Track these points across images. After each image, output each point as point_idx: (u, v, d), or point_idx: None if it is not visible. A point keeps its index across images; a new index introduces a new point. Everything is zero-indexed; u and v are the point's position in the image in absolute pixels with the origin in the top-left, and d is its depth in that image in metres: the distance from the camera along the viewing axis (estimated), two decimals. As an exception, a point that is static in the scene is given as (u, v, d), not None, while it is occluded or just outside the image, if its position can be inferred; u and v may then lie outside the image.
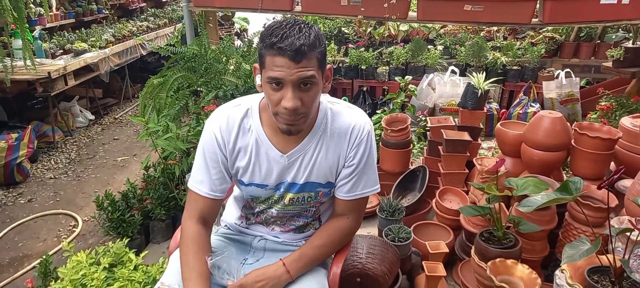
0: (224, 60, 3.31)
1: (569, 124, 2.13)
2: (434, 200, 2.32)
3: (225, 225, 1.53)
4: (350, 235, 1.43)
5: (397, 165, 2.66)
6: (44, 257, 2.02)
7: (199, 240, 1.29)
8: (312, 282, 1.32)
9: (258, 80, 1.23)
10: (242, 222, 1.47)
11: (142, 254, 2.02)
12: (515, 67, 4.40)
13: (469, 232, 2.03)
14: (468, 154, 2.36)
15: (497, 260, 1.70)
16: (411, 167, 2.66)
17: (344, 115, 1.32)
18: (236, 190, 1.47)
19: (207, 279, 1.26)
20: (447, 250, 1.91)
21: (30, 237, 2.86)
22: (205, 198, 1.31)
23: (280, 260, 1.29)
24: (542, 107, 3.88)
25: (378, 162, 2.89)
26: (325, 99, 1.33)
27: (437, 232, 2.20)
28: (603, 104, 3.25)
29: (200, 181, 1.31)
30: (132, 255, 1.98)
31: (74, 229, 2.92)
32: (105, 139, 4.52)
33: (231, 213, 1.52)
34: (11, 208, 3.23)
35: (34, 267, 2.51)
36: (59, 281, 1.89)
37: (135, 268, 1.92)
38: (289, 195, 1.33)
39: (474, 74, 2.88)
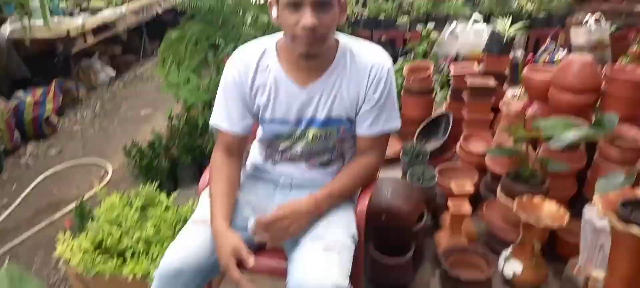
0: (240, 12, 3.28)
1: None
2: (458, 144, 2.32)
3: (251, 166, 1.56)
4: (375, 172, 1.46)
5: (420, 112, 2.65)
6: (80, 200, 2.09)
7: (223, 168, 1.37)
8: (340, 216, 1.35)
9: (274, 13, 1.25)
10: (267, 162, 1.50)
11: (172, 197, 2.09)
12: (541, 15, 4.26)
13: (495, 173, 2.03)
14: (493, 100, 2.33)
15: (524, 196, 1.71)
16: (434, 114, 2.65)
17: (364, 52, 1.33)
18: (260, 132, 1.50)
19: (232, 203, 1.32)
20: (472, 189, 1.92)
21: (64, 185, 2.97)
22: (227, 134, 1.38)
23: (311, 196, 1.31)
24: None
25: (400, 109, 2.89)
26: (344, 37, 1.34)
27: (462, 174, 2.21)
28: (634, 49, 3.15)
29: (221, 118, 1.38)
30: (163, 197, 2.05)
31: (104, 177, 3.01)
32: (128, 93, 4.58)
33: (256, 155, 1.55)
34: (43, 159, 3.33)
35: (70, 210, 2.61)
36: (95, 221, 1.97)
37: (166, 209, 1.99)
38: (312, 131, 1.35)
39: (500, 19, 2.80)
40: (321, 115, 1.33)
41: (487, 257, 1.83)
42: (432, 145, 2.53)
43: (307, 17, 1.15)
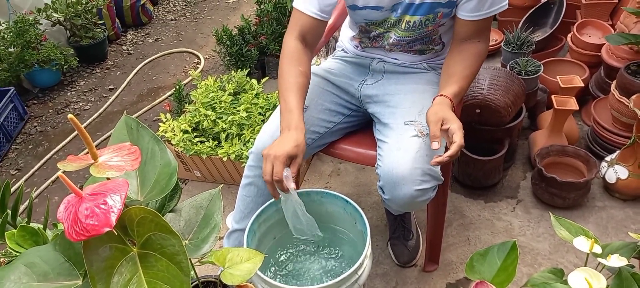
0: None
1: None
2: (569, 35, 2.07)
3: (342, 49, 1.51)
4: (484, 58, 1.29)
5: (527, -3, 2.37)
6: (177, 84, 2.21)
7: (294, 54, 1.25)
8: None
9: None
10: (358, 46, 1.43)
11: (262, 82, 2.13)
12: None
13: (611, 66, 1.81)
14: (620, -21, 2.01)
15: (645, 94, 1.52)
16: (544, 0, 2.36)
17: None
18: (348, 18, 1.41)
19: (302, 89, 1.21)
20: (581, 84, 1.73)
21: (161, 72, 3.15)
22: (307, 17, 1.25)
23: (442, 96, 1.18)
24: None
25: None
26: None
27: (570, 69, 2.00)
28: None
29: None
30: (254, 82, 2.10)
31: (197, 65, 3.15)
32: (216, -18, 4.60)
33: (347, 37, 1.48)
34: (142, 46, 3.53)
35: (169, 95, 2.79)
36: (191, 104, 2.08)
37: (257, 95, 2.04)
38: (407, 18, 1.23)
39: None
40: (420, 0, 1.21)
41: (589, 159, 1.69)
42: (538, 36, 2.29)
43: None
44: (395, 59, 1.38)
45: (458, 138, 1.07)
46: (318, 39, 1.32)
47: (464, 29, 1.24)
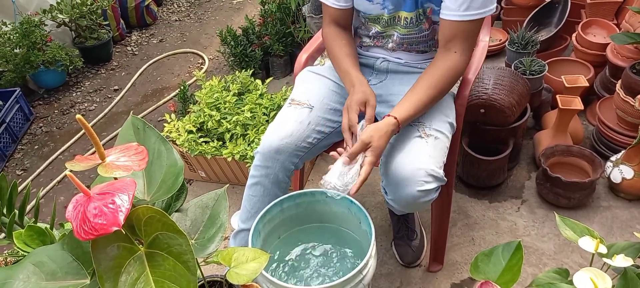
0: None
1: None
2: (574, 35, 2.07)
3: None
4: (460, 73, 1.24)
5: (531, -3, 2.37)
6: (182, 84, 2.22)
7: (332, 34, 1.37)
8: (439, 103, 1.28)
9: None
10: (361, 45, 1.44)
11: (266, 82, 2.13)
12: None
13: (616, 65, 1.80)
14: (625, -22, 2.00)
15: (651, 93, 1.51)
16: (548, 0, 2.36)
17: None
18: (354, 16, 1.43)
19: (350, 56, 1.32)
20: (586, 84, 1.73)
21: (166, 72, 3.16)
22: (332, 8, 1.35)
23: (392, 118, 1.16)
24: None
25: (507, -5, 2.60)
26: None
27: (575, 69, 2.00)
28: None
29: None
30: (258, 82, 2.10)
31: (201, 66, 3.16)
32: (220, -17, 4.61)
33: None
34: (146, 47, 3.55)
35: (174, 95, 2.81)
36: (196, 104, 2.09)
37: (261, 96, 2.05)
38: (403, 14, 1.25)
39: None
40: None
41: (594, 159, 1.69)
42: (542, 35, 2.28)
43: None
44: (399, 58, 1.39)
45: (363, 172, 1.10)
46: (350, 22, 1.40)
47: (445, 32, 1.20)
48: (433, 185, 1.13)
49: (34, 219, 0.98)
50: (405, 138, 1.19)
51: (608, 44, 1.92)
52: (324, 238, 1.30)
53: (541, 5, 2.32)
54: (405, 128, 1.21)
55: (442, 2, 1.18)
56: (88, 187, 0.64)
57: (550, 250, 1.57)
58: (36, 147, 2.59)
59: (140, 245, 0.66)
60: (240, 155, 1.83)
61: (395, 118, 1.15)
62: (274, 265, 1.25)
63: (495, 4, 1.19)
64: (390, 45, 1.36)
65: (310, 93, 1.39)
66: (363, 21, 1.36)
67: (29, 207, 2.02)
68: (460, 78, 1.36)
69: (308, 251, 1.28)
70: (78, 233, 0.58)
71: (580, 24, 2.05)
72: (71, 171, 0.64)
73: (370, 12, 1.30)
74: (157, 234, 0.64)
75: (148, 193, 0.77)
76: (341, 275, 1.13)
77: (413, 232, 1.60)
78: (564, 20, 2.17)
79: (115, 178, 0.66)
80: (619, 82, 1.71)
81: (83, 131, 2.51)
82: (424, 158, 1.13)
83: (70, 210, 0.60)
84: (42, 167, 2.39)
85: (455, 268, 1.56)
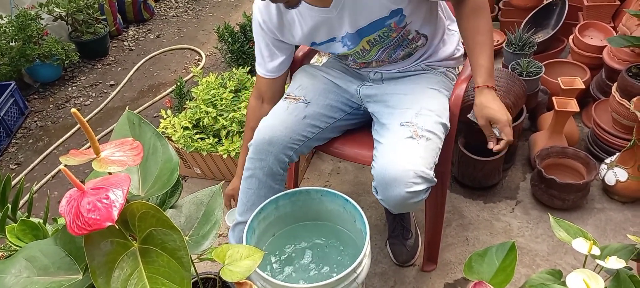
0: None
1: None
2: (571, 37, 2.07)
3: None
4: (487, 9, 1.25)
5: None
6: (178, 80, 2.21)
7: (250, 112, 1.47)
8: (433, 103, 1.28)
9: None
10: (350, 68, 1.46)
11: (263, 81, 2.13)
12: None
13: (612, 68, 1.81)
14: (622, -19, 2.01)
15: (646, 96, 1.52)
16: (546, 1, 2.36)
17: None
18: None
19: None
20: (582, 86, 1.73)
21: (163, 68, 3.15)
22: (261, 78, 1.43)
23: (484, 85, 1.21)
24: None
25: (505, -4, 2.61)
26: None
27: (571, 71, 2.00)
28: None
29: (257, 63, 1.43)
30: (255, 79, 2.09)
31: (198, 62, 3.15)
32: (218, -20, 4.60)
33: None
34: (143, 42, 3.54)
35: (170, 91, 2.80)
36: (192, 101, 2.08)
37: (258, 93, 2.04)
38: (365, 40, 1.26)
39: None
40: (362, 24, 1.21)
41: (588, 161, 1.69)
42: (539, 37, 2.29)
43: None
44: (390, 69, 1.39)
45: (505, 135, 1.18)
46: (276, 93, 1.46)
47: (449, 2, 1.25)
48: (422, 187, 1.13)
49: (27, 214, 0.98)
50: (396, 138, 1.19)
51: (605, 46, 1.92)
52: (318, 236, 1.30)
53: (539, 7, 2.33)
54: (397, 128, 1.21)
55: (400, 11, 1.19)
56: (82, 182, 0.64)
57: (543, 251, 1.58)
58: (31, 141, 2.57)
59: (134, 241, 0.66)
60: (236, 153, 1.82)
61: (482, 86, 1.21)
62: (268, 262, 1.25)
63: None
64: (374, 64, 1.38)
65: (306, 89, 1.40)
66: (339, 56, 1.39)
67: (22, 202, 2.01)
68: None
69: (302, 249, 1.28)
70: (71, 229, 0.57)
71: (578, 26, 2.06)
72: (66, 166, 0.64)
73: (337, 51, 1.33)
74: (151, 230, 0.64)
75: (143, 189, 0.77)
76: (335, 274, 1.14)
77: (408, 231, 1.60)
78: (561, 23, 2.17)
79: (110, 174, 0.65)
80: (615, 84, 1.72)
81: (78, 126, 2.50)
82: (414, 160, 1.13)
83: (64, 205, 0.59)
84: (36, 162, 2.38)
85: (449, 268, 1.56)
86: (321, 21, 1.23)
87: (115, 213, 0.58)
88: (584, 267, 0.82)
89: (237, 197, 1.38)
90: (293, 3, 1.13)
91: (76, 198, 0.59)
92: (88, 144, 0.68)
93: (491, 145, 1.21)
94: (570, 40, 2.08)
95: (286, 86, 1.51)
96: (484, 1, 1.23)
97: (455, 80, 1.41)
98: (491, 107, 1.19)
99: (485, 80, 1.21)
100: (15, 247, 0.82)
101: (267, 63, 1.40)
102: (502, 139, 1.20)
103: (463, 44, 1.37)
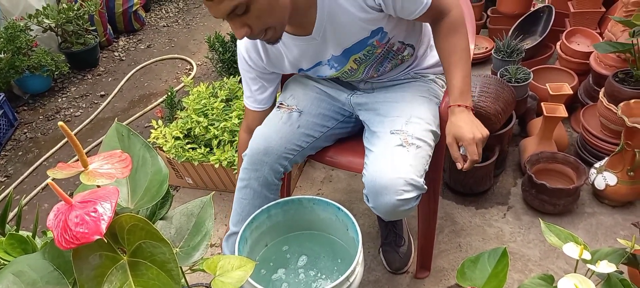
0: None
1: None
2: (558, 43, 2.10)
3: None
4: (463, 19, 1.24)
5: (517, 5, 2.41)
6: (169, 90, 2.20)
7: (243, 148, 1.39)
8: (423, 111, 1.29)
9: None
10: (340, 83, 1.46)
11: (254, 90, 2.13)
12: None
13: (599, 74, 1.83)
14: (607, -12, 2.04)
15: (632, 101, 1.54)
16: (533, 8, 2.39)
17: None
18: None
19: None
20: (570, 92, 1.75)
21: (153, 78, 3.14)
22: (250, 111, 1.42)
23: (461, 105, 1.20)
24: None
25: (495, 4, 2.64)
26: None
27: (559, 77, 2.03)
28: None
29: (246, 96, 1.41)
30: (245, 90, 2.09)
31: (189, 72, 3.14)
32: (209, -11, 4.60)
33: None
34: (134, 52, 3.53)
35: (161, 101, 2.79)
36: (183, 111, 2.08)
37: (249, 102, 2.04)
38: (351, 59, 1.26)
39: None
40: (345, 46, 1.21)
41: (578, 166, 1.71)
42: (527, 44, 2.31)
43: (235, 31, 1.03)
44: (380, 79, 1.40)
45: (469, 154, 1.15)
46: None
47: (426, 20, 1.24)
48: (412, 194, 1.13)
49: (15, 227, 0.97)
50: (387, 146, 1.19)
51: (591, 52, 1.95)
52: (311, 246, 1.29)
53: (527, 14, 2.36)
54: (388, 136, 1.21)
55: (381, 29, 1.19)
56: (72, 193, 0.63)
57: (536, 257, 1.58)
58: (20, 153, 2.55)
59: (123, 254, 0.65)
60: (228, 162, 1.82)
61: (453, 105, 1.20)
62: (261, 272, 1.24)
63: None
64: (359, 79, 1.38)
65: (298, 98, 1.40)
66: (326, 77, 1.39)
67: (11, 215, 1.98)
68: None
69: (295, 258, 1.27)
70: (59, 243, 0.57)
71: (565, 32, 2.08)
72: (53, 179, 0.63)
73: (325, 74, 1.33)
74: (141, 243, 0.64)
75: (132, 201, 0.76)
76: (329, 282, 1.13)
77: (401, 238, 1.60)
78: (548, 29, 2.20)
79: (98, 186, 0.65)
80: (602, 90, 1.74)
81: (68, 137, 2.48)
82: (404, 167, 1.13)
83: (52, 219, 0.59)
84: (25, 174, 2.36)
85: (443, 275, 1.56)
86: (306, 48, 1.23)
87: (104, 226, 0.57)
88: (575, 272, 0.82)
89: None
90: (274, 40, 1.12)
91: (64, 212, 0.58)
92: (77, 157, 0.68)
93: (458, 165, 1.18)
94: (558, 47, 2.10)
95: (277, 96, 1.51)
96: (459, 20, 1.22)
97: (445, 86, 1.41)
98: (458, 124, 1.17)
99: (456, 99, 1.20)
100: (3, 262, 0.81)
101: (256, 96, 1.39)
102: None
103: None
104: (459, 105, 1.20)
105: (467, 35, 1.25)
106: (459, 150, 1.19)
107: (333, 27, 1.17)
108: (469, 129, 1.16)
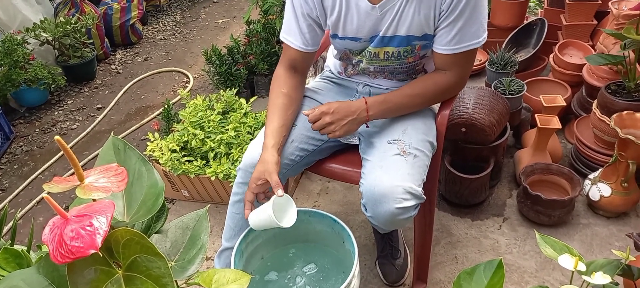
0: None
1: None
2: (551, 55, 2.12)
3: (329, 70, 1.54)
4: (450, 92, 1.31)
5: (511, 18, 2.44)
6: (166, 103, 2.21)
7: (279, 78, 1.34)
8: (419, 122, 1.31)
9: None
10: (342, 72, 1.47)
11: (250, 101, 2.14)
12: None
13: (592, 85, 1.85)
14: (599, 1, 2.07)
15: (624, 112, 1.56)
16: (526, 21, 2.42)
17: None
18: (332, 46, 1.44)
19: (281, 108, 1.29)
20: (564, 104, 1.77)
21: (150, 91, 3.15)
22: (295, 50, 1.32)
23: (363, 99, 1.25)
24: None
25: (488, 17, 2.67)
26: None
27: (553, 89, 2.05)
28: None
29: (289, 33, 1.31)
30: (242, 101, 2.11)
31: (186, 85, 3.15)
32: (206, 2, 4.63)
33: (332, 62, 1.51)
34: (131, 66, 3.53)
35: (158, 114, 2.79)
36: (180, 123, 2.08)
37: (245, 114, 2.05)
38: (385, 49, 1.27)
39: None
40: (394, 32, 1.22)
41: (572, 177, 1.72)
42: (521, 56, 2.34)
43: None
44: (380, 85, 1.41)
45: (312, 116, 1.23)
46: (308, 65, 1.38)
47: (438, 62, 1.27)
48: (411, 203, 1.14)
49: (10, 241, 0.96)
50: (384, 155, 1.20)
51: (584, 64, 1.97)
52: (307, 258, 1.29)
53: (520, 27, 2.38)
54: (385, 145, 1.22)
55: (432, 37, 1.22)
56: (67, 208, 0.64)
57: (531, 268, 1.58)
58: (16, 166, 2.54)
59: (118, 268, 0.65)
60: (224, 175, 1.82)
61: (366, 102, 1.23)
62: (257, 286, 1.24)
63: (486, 34, 1.22)
64: (369, 72, 1.39)
65: None
66: (346, 53, 1.38)
67: (6, 229, 1.97)
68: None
69: (291, 271, 1.27)
70: (54, 257, 0.57)
71: (557, 45, 2.11)
72: (49, 193, 0.64)
73: (356, 48, 1.32)
74: (136, 257, 0.64)
75: (128, 215, 0.77)
76: (324, 295, 1.13)
77: (397, 250, 1.60)
78: (541, 42, 2.22)
79: (94, 200, 0.65)
80: (595, 101, 1.76)
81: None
82: (402, 176, 1.14)
83: (47, 233, 0.59)
84: (21, 187, 2.35)
85: (439, 287, 1.56)
86: (363, 16, 1.21)
87: (99, 240, 0.57)
88: (571, 283, 0.83)
89: (272, 176, 1.17)
90: None
91: (59, 226, 0.58)
92: (73, 170, 0.68)
93: (304, 111, 1.26)
94: (551, 59, 2.13)
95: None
96: (452, 90, 1.30)
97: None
98: (339, 104, 1.24)
99: (375, 100, 1.25)
100: (-3, 277, 0.80)
101: (305, 37, 1.29)
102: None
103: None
104: (366, 103, 1.23)
105: (436, 101, 1.34)
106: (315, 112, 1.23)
107: (399, 7, 1.18)
108: (337, 117, 1.22)
